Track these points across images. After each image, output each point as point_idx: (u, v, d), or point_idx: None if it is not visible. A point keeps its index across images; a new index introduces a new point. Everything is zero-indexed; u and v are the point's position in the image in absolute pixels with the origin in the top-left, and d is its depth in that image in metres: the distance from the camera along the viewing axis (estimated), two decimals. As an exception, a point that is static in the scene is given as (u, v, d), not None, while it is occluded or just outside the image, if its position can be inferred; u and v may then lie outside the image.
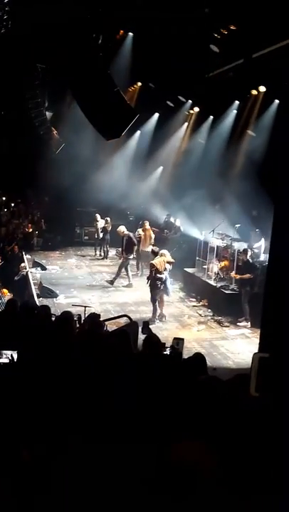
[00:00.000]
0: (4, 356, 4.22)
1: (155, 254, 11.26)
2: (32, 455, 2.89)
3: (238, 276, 11.34)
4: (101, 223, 17.83)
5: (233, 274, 11.75)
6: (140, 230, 15.44)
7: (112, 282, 13.92)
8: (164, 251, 11.38)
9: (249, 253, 11.47)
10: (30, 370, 3.92)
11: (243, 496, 1.50)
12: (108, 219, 17.40)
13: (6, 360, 4.18)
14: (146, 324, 6.94)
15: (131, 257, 14.07)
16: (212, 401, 2.56)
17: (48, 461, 2.79)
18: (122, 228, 14.36)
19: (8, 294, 11.16)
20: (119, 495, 2.55)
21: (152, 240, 14.97)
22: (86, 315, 8.21)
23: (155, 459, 2.26)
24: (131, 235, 14.18)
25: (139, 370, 3.97)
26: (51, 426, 3.26)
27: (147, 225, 15.37)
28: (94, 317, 6.66)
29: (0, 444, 2.85)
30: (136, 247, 14.26)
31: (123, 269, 13.96)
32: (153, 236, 15.21)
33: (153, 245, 13.63)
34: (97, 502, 2.57)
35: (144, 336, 5.39)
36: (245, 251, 11.51)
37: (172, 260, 11.40)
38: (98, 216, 17.98)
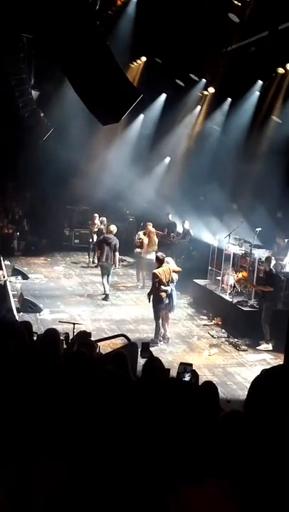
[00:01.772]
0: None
1: (160, 261, 11.22)
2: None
3: (256, 287, 11.33)
4: (97, 224, 17.86)
5: (252, 284, 11.75)
6: (141, 234, 15.41)
7: (106, 297, 14.00)
8: (168, 258, 11.37)
9: (273, 262, 11.45)
10: (5, 402, 3.91)
11: None
12: (104, 219, 17.43)
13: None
14: (146, 346, 6.92)
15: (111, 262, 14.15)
16: (239, 441, 2.55)
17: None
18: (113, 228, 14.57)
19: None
20: None
21: (156, 246, 14.97)
22: (75, 334, 8.21)
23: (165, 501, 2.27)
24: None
25: (138, 402, 3.95)
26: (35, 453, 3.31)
27: (150, 227, 15.35)
28: (84, 336, 6.65)
29: None
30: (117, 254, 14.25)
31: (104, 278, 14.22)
32: (157, 241, 15.21)
33: (157, 252, 13.63)
34: None
35: (144, 360, 5.37)
36: (268, 259, 11.48)
37: (178, 269, 11.39)
38: (97, 217, 17.85)
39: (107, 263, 14.08)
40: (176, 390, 4.65)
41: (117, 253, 14.13)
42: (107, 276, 14.26)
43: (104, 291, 14.16)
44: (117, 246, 14.07)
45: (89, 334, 7.00)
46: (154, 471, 3.07)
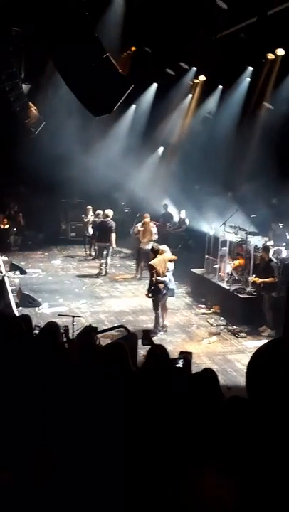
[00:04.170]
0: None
1: (155, 252, 11.23)
2: (15, 478, 2.95)
3: (259, 281, 11.28)
4: (91, 217, 17.89)
5: (252, 278, 11.70)
6: (139, 225, 15.51)
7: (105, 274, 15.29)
8: (164, 247, 11.37)
9: (272, 251, 11.39)
10: (8, 391, 3.95)
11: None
12: (100, 212, 17.42)
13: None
14: (146, 334, 6.93)
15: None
16: (242, 427, 2.57)
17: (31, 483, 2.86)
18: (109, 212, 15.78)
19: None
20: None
21: (154, 236, 15.02)
22: (74, 326, 8.25)
23: (167, 492, 2.29)
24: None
25: (139, 390, 3.98)
26: (33, 447, 3.34)
27: (148, 218, 15.42)
28: (89, 331, 6.62)
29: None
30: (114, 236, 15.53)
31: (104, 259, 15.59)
32: (155, 231, 15.25)
33: (154, 242, 13.68)
34: None
35: (145, 349, 5.39)
36: (266, 249, 11.42)
37: (173, 257, 11.39)
38: (91, 209, 17.98)
39: (103, 245, 15.51)
40: (177, 376, 4.68)
41: (113, 234, 15.42)
42: (106, 257, 15.59)
43: (105, 270, 15.51)
44: (114, 228, 15.45)
45: (95, 329, 6.97)
46: (156, 460, 3.10)
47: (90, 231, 17.69)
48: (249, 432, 2.33)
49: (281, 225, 13.17)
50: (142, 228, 15.21)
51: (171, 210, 17.91)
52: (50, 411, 3.75)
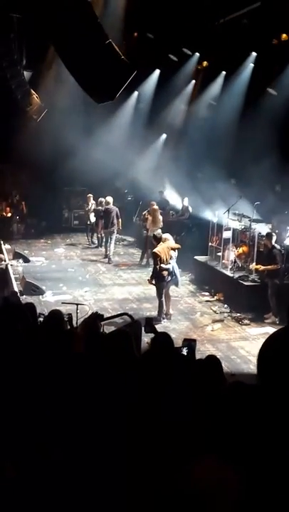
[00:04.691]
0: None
1: (158, 240, 11.24)
2: (17, 470, 2.98)
3: (262, 268, 11.29)
4: (92, 205, 17.93)
5: (254, 265, 11.71)
6: (146, 212, 15.59)
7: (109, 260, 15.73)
8: (167, 235, 11.37)
9: (274, 238, 11.39)
10: (13, 378, 3.97)
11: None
12: (103, 200, 17.42)
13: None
14: (149, 321, 6.93)
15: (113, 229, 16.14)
16: (244, 412, 2.58)
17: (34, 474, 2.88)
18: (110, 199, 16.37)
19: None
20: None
21: (160, 223, 15.06)
22: (78, 314, 8.27)
23: (169, 477, 2.30)
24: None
25: (144, 376, 4.00)
26: (36, 438, 3.36)
27: (155, 205, 15.51)
28: (95, 318, 6.63)
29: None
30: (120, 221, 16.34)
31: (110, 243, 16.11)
32: (161, 218, 15.30)
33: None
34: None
35: (148, 336, 5.41)
36: (269, 236, 11.42)
37: (177, 246, 11.40)
38: (91, 197, 18.04)
39: (110, 230, 16.03)
40: (181, 363, 4.70)
41: (120, 219, 16.27)
42: (110, 241, 16.11)
43: (108, 254, 15.97)
44: (118, 213, 16.21)
45: (101, 316, 6.96)
46: (158, 446, 3.11)
47: (92, 219, 17.72)
48: (255, 418, 2.34)
49: (287, 212, 13.14)
50: (150, 216, 15.23)
51: (174, 196, 17.86)
52: (54, 399, 3.76)
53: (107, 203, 16.32)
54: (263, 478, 1.63)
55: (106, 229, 16.36)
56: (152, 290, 11.42)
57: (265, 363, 1.63)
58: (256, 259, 11.96)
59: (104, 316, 8.87)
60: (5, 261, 13.07)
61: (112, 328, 7.63)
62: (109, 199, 16.35)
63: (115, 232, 16.28)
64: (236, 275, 12.11)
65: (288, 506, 1.56)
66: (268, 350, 1.62)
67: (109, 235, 16.21)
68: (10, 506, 2.96)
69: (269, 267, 11.08)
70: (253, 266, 11.76)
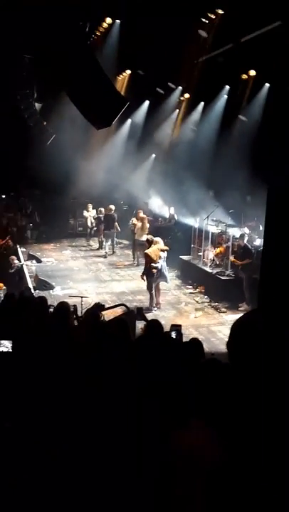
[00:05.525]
0: (2, 345, 4.27)
1: (150, 243, 11.29)
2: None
3: (238, 262, 11.34)
4: (93, 213, 17.97)
5: (232, 258, 11.76)
6: (134, 219, 15.51)
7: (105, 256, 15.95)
8: (157, 238, 11.42)
9: (246, 238, 11.50)
10: (28, 360, 3.97)
11: (248, 484, 1.46)
12: (102, 209, 17.43)
13: (5, 349, 4.23)
14: (140, 310, 6.99)
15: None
16: (215, 384, 2.57)
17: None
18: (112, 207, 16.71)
19: (4, 287, 11.17)
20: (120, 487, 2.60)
21: (147, 230, 15.00)
22: (82, 306, 8.28)
23: (158, 445, 2.29)
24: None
25: (139, 355, 4.02)
26: (42, 415, 3.32)
27: (142, 213, 15.42)
28: (98, 307, 6.64)
29: None
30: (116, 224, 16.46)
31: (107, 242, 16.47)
32: (148, 225, 15.24)
33: (148, 234, 13.68)
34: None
35: (141, 323, 5.44)
36: (242, 236, 11.55)
37: (166, 248, 11.44)
38: (90, 206, 18.17)
39: (110, 232, 16.44)
40: (169, 344, 4.73)
41: (116, 223, 16.44)
42: (111, 242, 16.55)
43: (106, 252, 16.33)
44: (116, 218, 16.49)
45: (102, 306, 6.98)
46: (150, 415, 3.09)
47: (89, 224, 17.98)
48: (227, 389, 2.32)
49: (255, 218, 13.18)
50: (140, 223, 15.18)
51: (161, 206, 17.81)
52: (60, 386, 3.69)
53: (110, 210, 16.57)
54: (237, 444, 1.57)
55: (107, 230, 16.53)
56: (144, 285, 11.43)
57: (234, 338, 1.65)
58: (234, 256, 12.00)
59: (105, 307, 8.92)
60: (21, 261, 13.05)
61: (111, 317, 7.65)
62: (112, 206, 16.68)
63: (115, 234, 16.56)
64: (214, 271, 12.16)
65: (258, 474, 1.50)
66: (236, 329, 1.63)
67: (109, 236, 16.43)
68: (13, 503, 2.89)
69: (244, 261, 11.15)
70: (231, 258, 11.78)
